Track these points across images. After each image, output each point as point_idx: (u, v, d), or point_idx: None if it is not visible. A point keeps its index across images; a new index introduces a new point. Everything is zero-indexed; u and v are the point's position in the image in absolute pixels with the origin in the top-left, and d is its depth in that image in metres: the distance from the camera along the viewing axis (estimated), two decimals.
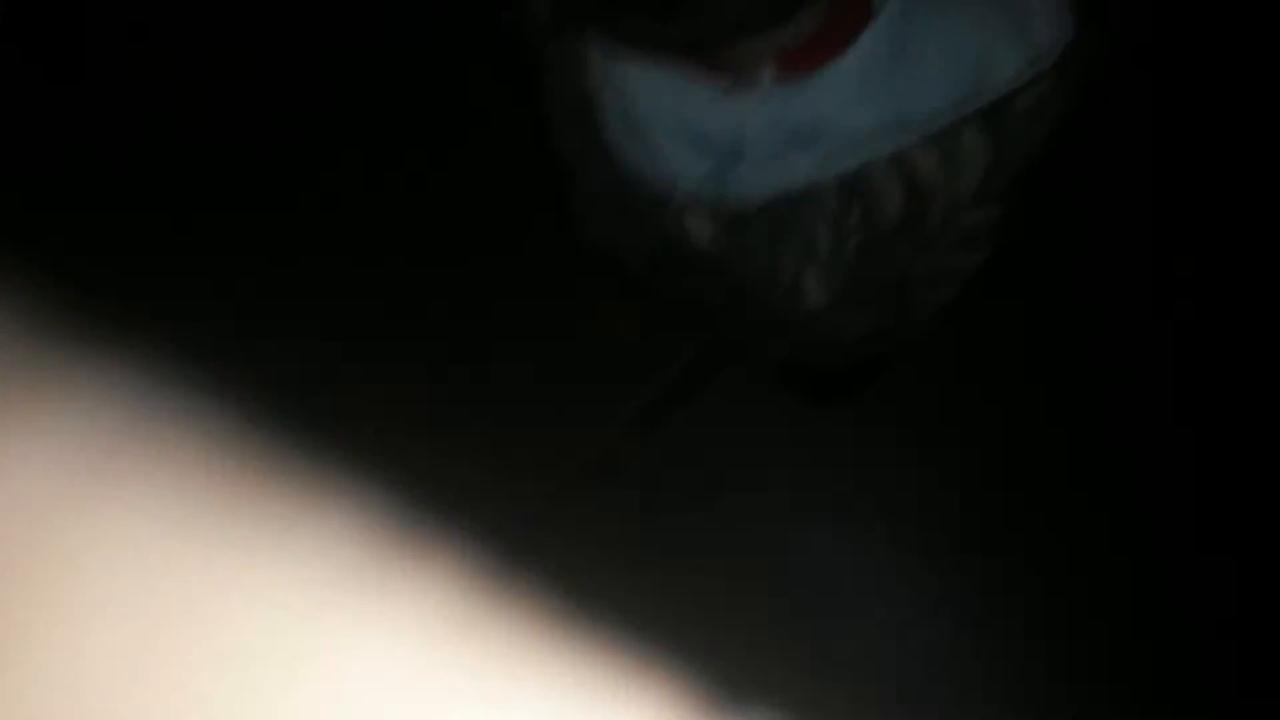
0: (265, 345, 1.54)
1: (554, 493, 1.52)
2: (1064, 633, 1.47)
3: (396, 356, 1.56)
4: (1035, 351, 1.54)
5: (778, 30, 0.61)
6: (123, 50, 1.64)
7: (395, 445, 1.40)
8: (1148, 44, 1.43)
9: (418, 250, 1.60)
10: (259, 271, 1.56)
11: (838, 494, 1.55)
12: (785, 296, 0.69)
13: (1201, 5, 1.54)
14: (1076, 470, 1.51)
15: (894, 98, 0.62)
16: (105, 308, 1.39)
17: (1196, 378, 1.51)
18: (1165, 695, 1.44)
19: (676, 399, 1.56)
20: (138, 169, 1.59)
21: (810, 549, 1.55)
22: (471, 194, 1.61)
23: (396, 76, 1.64)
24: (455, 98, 1.63)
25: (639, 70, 0.68)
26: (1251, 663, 1.44)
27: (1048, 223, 0.80)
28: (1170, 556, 1.48)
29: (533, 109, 0.87)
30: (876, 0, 0.62)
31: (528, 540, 1.45)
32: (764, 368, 1.49)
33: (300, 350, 1.50)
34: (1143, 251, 1.54)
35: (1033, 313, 1.53)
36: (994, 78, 0.62)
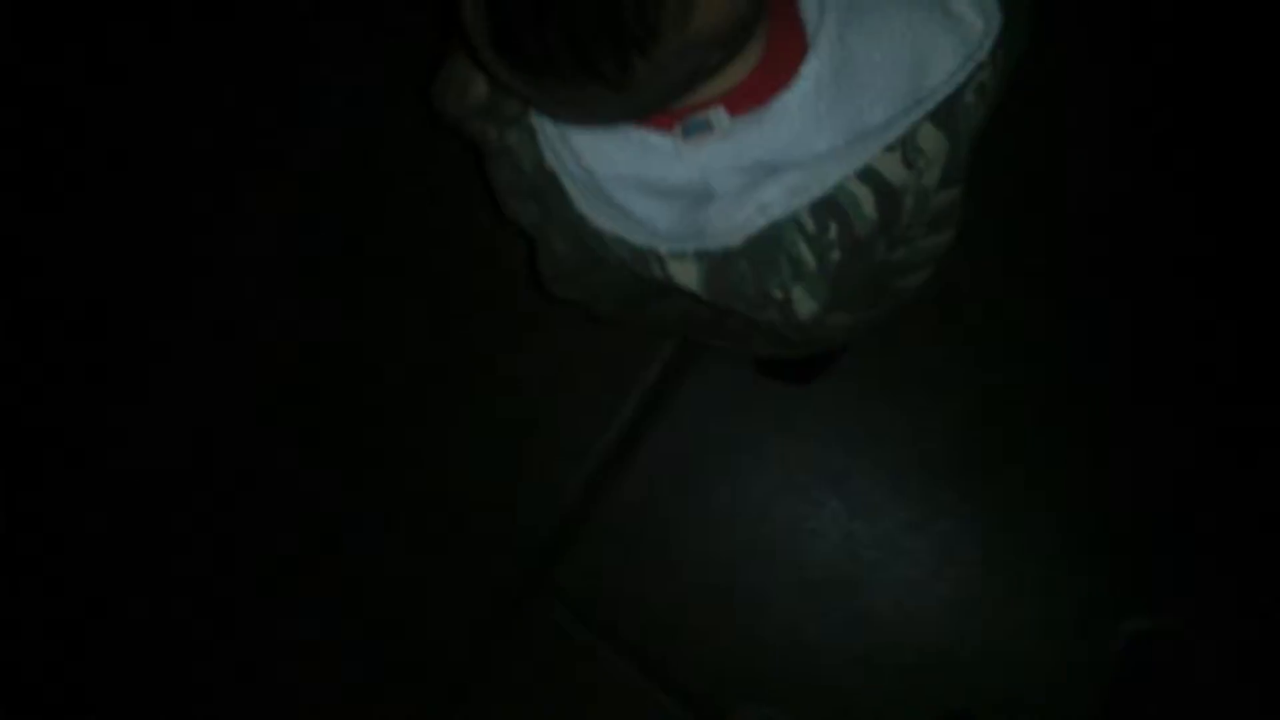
0: None
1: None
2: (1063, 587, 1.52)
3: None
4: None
5: (720, 79, 0.63)
6: None
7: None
8: None
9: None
10: None
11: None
12: (778, 312, 0.71)
13: None
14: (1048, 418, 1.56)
15: (847, 117, 0.64)
16: None
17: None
18: None
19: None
20: None
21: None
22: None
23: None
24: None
25: (593, 139, 0.69)
26: None
27: None
28: None
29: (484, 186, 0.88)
30: (810, 30, 0.64)
31: None
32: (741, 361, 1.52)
33: None
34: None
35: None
36: (936, 78, 0.65)
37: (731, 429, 1.58)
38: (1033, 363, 1.55)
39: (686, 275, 0.69)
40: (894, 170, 0.65)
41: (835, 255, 0.67)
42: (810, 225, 0.66)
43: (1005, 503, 1.54)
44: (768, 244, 0.66)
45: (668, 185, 0.68)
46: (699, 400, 1.59)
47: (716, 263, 0.68)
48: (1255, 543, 1.49)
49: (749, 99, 0.64)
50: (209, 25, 1.70)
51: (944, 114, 0.64)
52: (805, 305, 0.69)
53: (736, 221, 0.66)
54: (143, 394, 1.65)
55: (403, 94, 1.30)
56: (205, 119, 1.69)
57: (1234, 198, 1.55)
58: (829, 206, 0.65)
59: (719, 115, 0.64)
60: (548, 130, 0.71)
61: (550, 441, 1.60)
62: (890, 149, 0.64)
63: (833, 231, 0.66)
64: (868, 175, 0.65)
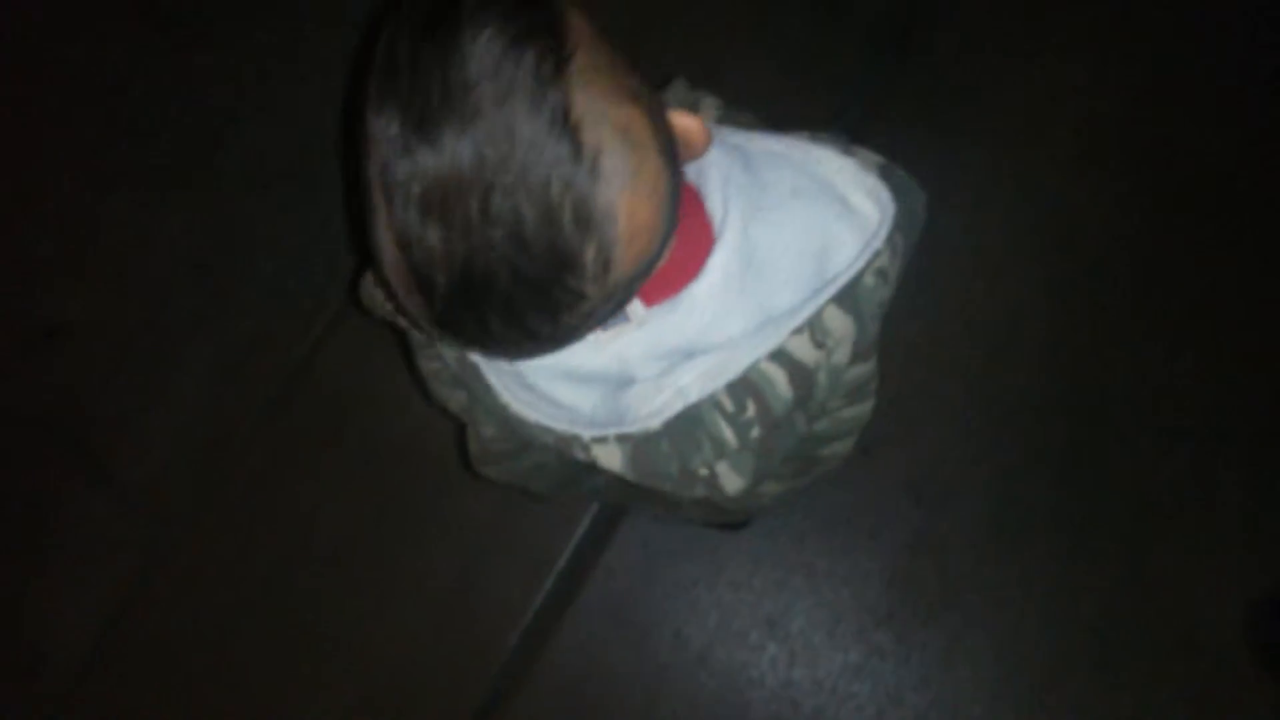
0: None
1: None
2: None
3: None
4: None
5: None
6: None
7: None
8: None
9: None
10: None
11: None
12: (705, 489, 0.72)
13: None
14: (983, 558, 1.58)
15: (756, 302, 0.67)
16: None
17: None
18: None
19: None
20: None
21: None
22: None
23: None
24: None
25: None
26: None
27: None
28: None
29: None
30: (716, 224, 0.67)
31: None
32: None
33: None
34: None
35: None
36: (837, 265, 0.68)
37: (667, 576, 1.58)
38: (966, 505, 1.58)
39: (610, 458, 0.70)
40: (804, 350, 0.67)
41: (756, 432, 0.68)
42: (729, 404, 0.68)
43: (945, 643, 1.54)
44: (688, 424, 0.68)
45: (587, 372, 0.69)
46: (633, 548, 1.58)
47: (639, 444, 0.69)
48: None
49: (662, 290, 0.67)
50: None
51: (847, 297, 0.67)
52: (731, 482, 0.71)
53: (655, 405, 0.68)
54: None
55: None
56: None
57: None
58: (745, 386, 0.67)
59: (635, 307, 0.67)
60: None
61: (485, 596, 1.58)
62: (799, 331, 0.67)
63: (751, 410, 0.68)
64: (780, 356, 0.67)
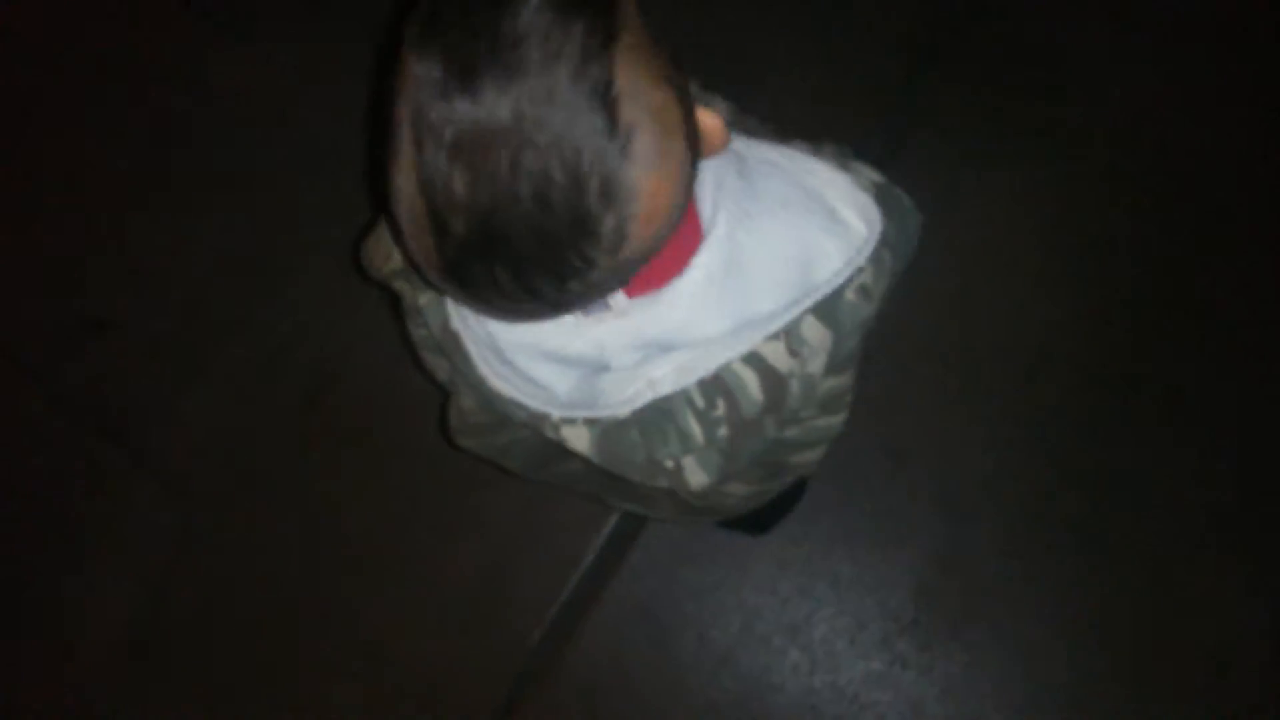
0: None
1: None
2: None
3: None
4: None
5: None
6: None
7: None
8: None
9: None
10: None
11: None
12: (668, 480, 0.73)
13: None
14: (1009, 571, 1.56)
15: (736, 305, 0.68)
16: None
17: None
18: None
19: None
20: None
21: None
22: None
23: None
24: None
25: None
26: None
27: None
28: None
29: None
30: (705, 224, 0.68)
31: None
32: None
33: None
34: None
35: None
36: (820, 276, 0.68)
37: (692, 579, 1.58)
38: (995, 519, 1.56)
39: (578, 439, 0.72)
40: (779, 357, 0.68)
41: (724, 431, 0.69)
42: (700, 401, 0.68)
43: (969, 655, 1.52)
44: (658, 416, 0.69)
45: (566, 355, 0.71)
46: (659, 551, 1.59)
47: (607, 429, 0.70)
48: None
49: (646, 283, 0.68)
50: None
51: (827, 309, 0.68)
52: (696, 476, 0.71)
53: (626, 394, 0.69)
54: None
55: None
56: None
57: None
58: (717, 385, 0.68)
59: (617, 296, 0.68)
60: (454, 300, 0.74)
61: (510, 594, 1.60)
62: (775, 337, 0.67)
63: (720, 408, 0.68)
64: (753, 359, 0.67)
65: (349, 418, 1.68)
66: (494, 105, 0.51)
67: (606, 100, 0.52)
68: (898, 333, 1.57)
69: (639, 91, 0.53)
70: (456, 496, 1.62)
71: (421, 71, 0.52)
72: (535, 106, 0.51)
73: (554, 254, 0.54)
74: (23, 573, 1.63)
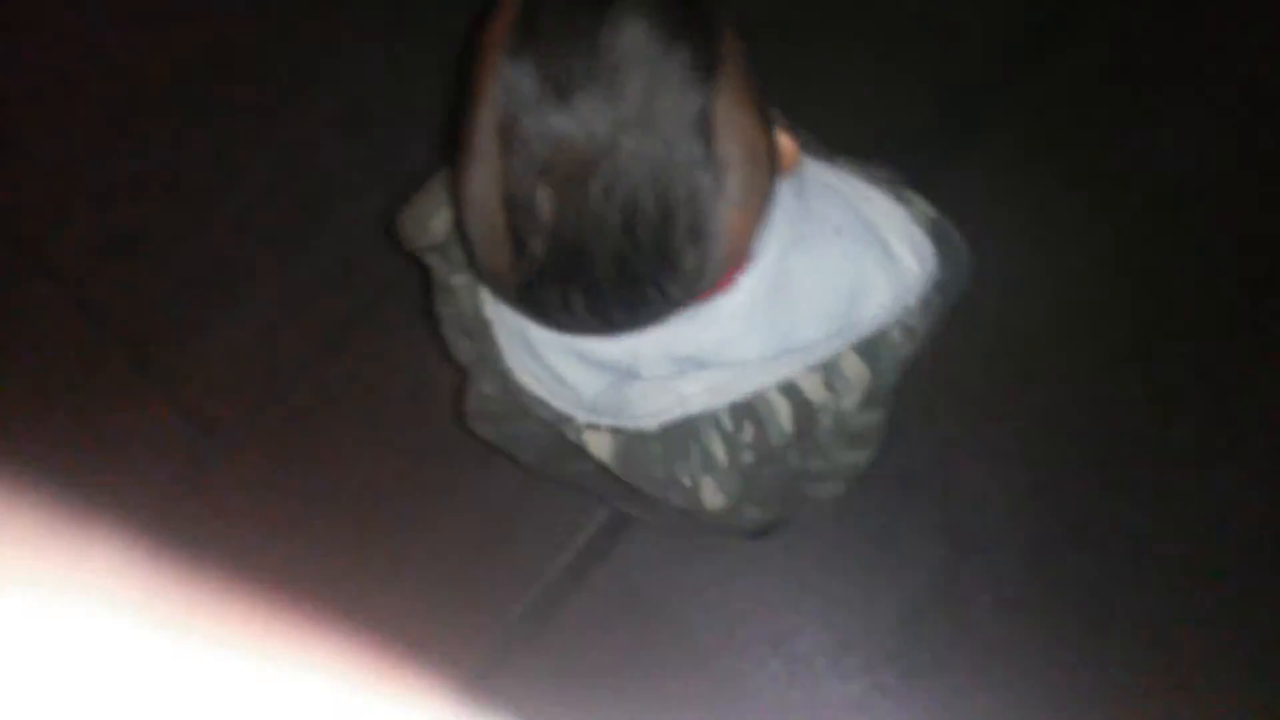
0: None
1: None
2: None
3: None
4: None
5: None
6: None
7: None
8: None
9: None
10: None
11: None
12: (682, 498, 0.71)
13: None
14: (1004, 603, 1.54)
15: (778, 331, 0.66)
16: None
17: None
18: None
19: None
20: None
21: None
22: None
23: None
24: None
25: None
26: None
27: None
28: None
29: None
30: (754, 246, 0.66)
31: None
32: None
33: None
34: None
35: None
36: (866, 310, 0.67)
37: (681, 574, 1.57)
38: (997, 559, 1.54)
39: (600, 447, 0.71)
40: (814, 390, 0.66)
41: (748, 457, 0.68)
42: (727, 423, 0.67)
43: (950, 695, 1.50)
44: (683, 433, 0.68)
45: (597, 358, 0.70)
46: (651, 543, 1.57)
47: (630, 440, 0.70)
48: None
49: None
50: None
51: (869, 346, 0.66)
52: (713, 498, 0.71)
53: (655, 407, 0.68)
54: None
55: None
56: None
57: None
58: (748, 410, 0.67)
59: None
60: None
61: (498, 564, 1.59)
62: (813, 369, 0.66)
63: (748, 434, 0.67)
64: (788, 389, 0.66)
65: (367, 373, 1.67)
66: (592, 126, 0.49)
67: (704, 132, 0.50)
68: (936, 357, 1.54)
69: (735, 124, 0.51)
70: (460, 463, 1.61)
71: (513, 76, 0.50)
72: (633, 133, 0.49)
73: (633, 286, 0.53)
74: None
